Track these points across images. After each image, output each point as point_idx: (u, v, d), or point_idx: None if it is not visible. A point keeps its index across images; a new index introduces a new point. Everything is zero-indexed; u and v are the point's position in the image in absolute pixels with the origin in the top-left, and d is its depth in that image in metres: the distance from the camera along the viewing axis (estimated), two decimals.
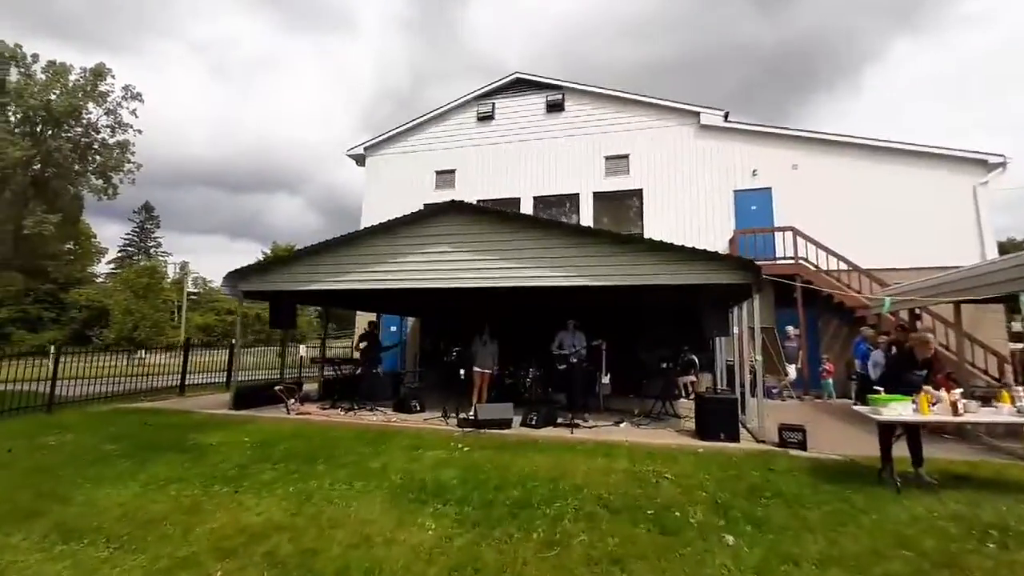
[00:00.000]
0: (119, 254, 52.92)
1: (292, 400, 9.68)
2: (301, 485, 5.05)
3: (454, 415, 8.93)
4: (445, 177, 17.04)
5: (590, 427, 8.23)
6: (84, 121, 38.40)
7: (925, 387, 5.38)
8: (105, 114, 39.09)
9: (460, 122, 17.21)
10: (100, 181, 39.97)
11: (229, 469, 5.63)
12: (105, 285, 38.75)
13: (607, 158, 15.76)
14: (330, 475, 5.37)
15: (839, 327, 13.48)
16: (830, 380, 12.28)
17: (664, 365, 12.71)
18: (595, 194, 15.69)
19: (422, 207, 9.44)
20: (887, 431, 5.49)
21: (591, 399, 9.55)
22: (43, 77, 36.55)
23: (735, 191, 14.59)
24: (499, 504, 4.53)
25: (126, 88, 39.69)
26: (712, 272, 7.53)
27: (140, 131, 40.67)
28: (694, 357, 12.40)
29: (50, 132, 37.27)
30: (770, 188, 14.40)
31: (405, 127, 17.61)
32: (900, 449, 5.51)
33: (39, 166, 37.10)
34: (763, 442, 7.24)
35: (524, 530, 3.98)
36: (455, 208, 8.84)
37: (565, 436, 7.57)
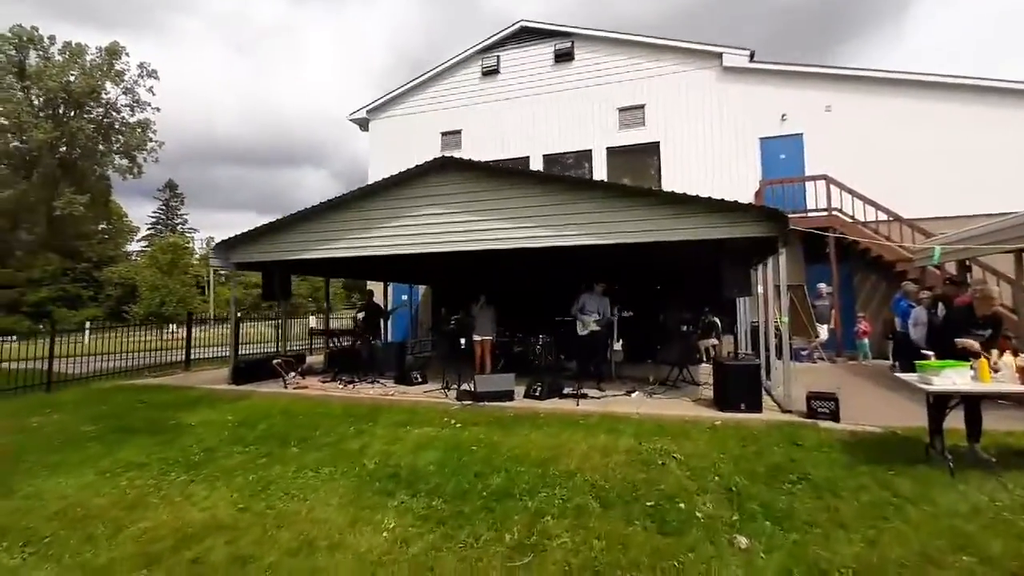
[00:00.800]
0: (148, 232, 53.90)
1: (292, 374, 9.28)
2: (264, 472, 4.54)
3: (455, 387, 8.37)
4: (451, 138, 16.11)
5: (599, 397, 7.55)
6: (103, 101, 38.42)
7: (985, 351, 4.48)
8: (123, 93, 39.07)
9: (464, 79, 16.15)
10: (125, 161, 40.30)
11: (196, 453, 5.17)
12: (136, 263, 39.43)
13: (621, 110, 14.56)
14: (300, 460, 4.85)
15: (876, 283, 12.33)
16: (866, 340, 11.26)
17: (684, 328, 11.92)
18: (609, 149, 14.59)
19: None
20: (939, 403, 4.64)
21: (603, 367, 8.83)
22: (60, 59, 36.50)
23: (762, 139, 13.31)
24: (475, 495, 3.91)
25: (141, 66, 39.45)
26: (734, 225, 6.61)
27: (158, 109, 40.57)
28: (716, 319, 11.51)
29: (72, 114, 37.43)
30: (801, 134, 13.07)
31: (407, 87, 16.64)
32: (953, 420, 4.66)
33: (64, 148, 37.45)
34: (789, 412, 6.44)
35: (497, 529, 3.35)
36: (448, 165, 8.05)
37: (570, 408, 6.92)
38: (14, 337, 16.43)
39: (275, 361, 9.01)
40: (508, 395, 7.42)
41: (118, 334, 11.95)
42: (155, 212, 56.91)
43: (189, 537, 3.35)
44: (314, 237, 8.79)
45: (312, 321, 16.19)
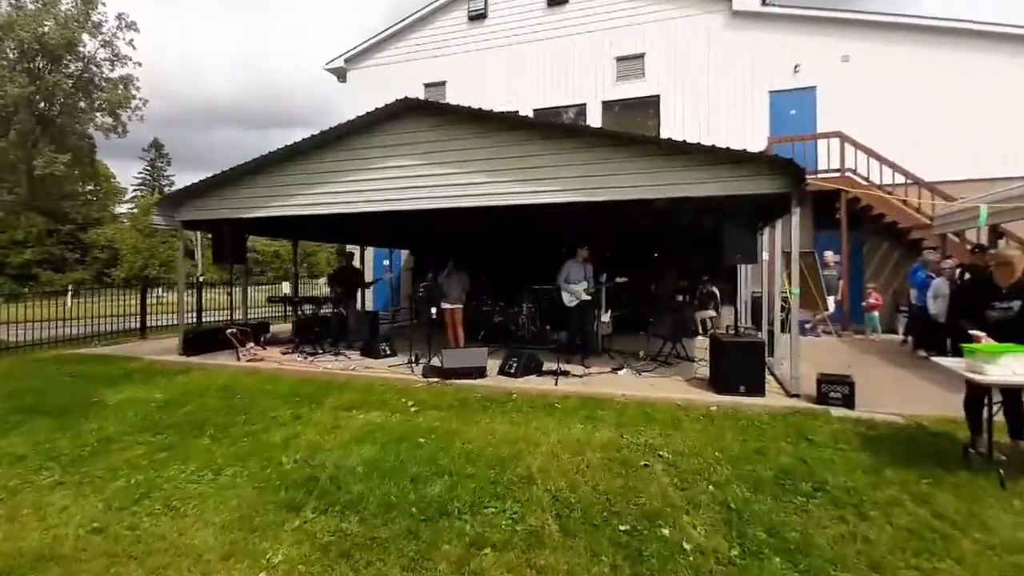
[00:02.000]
0: (134, 193, 52.27)
1: (249, 344, 8.39)
2: (155, 473, 3.66)
3: (425, 360, 7.50)
4: (435, 91, 14.77)
5: (583, 375, 6.68)
6: (81, 55, 36.40)
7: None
8: (102, 46, 36.94)
9: (449, 24, 14.71)
10: (108, 119, 38.53)
11: (90, 444, 4.30)
12: (122, 224, 38.21)
13: (619, 59, 13.24)
14: (206, 456, 3.97)
15: (888, 252, 11.35)
16: (876, 314, 10.35)
17: (679, 298, 11.01)
18: (605, 104, 13.33)
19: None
20: (980, 393, 3.74)
21: (590, 340, 7.92)
22: (33, 8, 34.34)
23: (772, 92, 12.08)
24: (404, 510, 3.04)
25: (120, 17, 37.20)
26: (744, 179, 5.59)
27: (140, 63, 38.56)
28: (715, 289, 10.62)
29: (48, 68, 35.51)
30: (814, 87, 11.84)
31: (388, 32, 15.20)
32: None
33: (42, 104, 35.70)
34: (796, 396, 5.57)
35: (414, 570, 2.49)
36: (414, 108, 6.95)
37: (547, 389, 6.05)
38: None
39: (229, 331, 8.10)
40: (479, 372, 6.55)
41: (100, 298, 11.28)
42: (140, 173, 55.02)
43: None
44: (267, 192, 7.75)
45: (285, 287, 15.21)
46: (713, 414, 5.06)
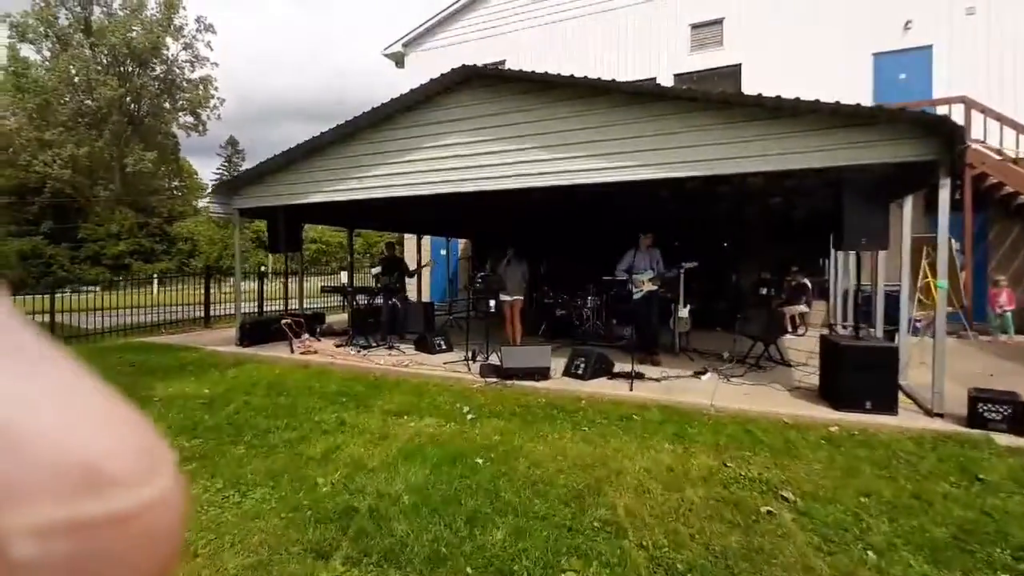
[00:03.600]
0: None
1: (304, 336, 8.06)
2: None
3: (483, 357, 6.84)
4: None
5: (660, 379, 5.78)
6: (165, 58, 38.50)
7: None
8: (183, 48, 38.92)
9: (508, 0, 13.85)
10: (190, 118, 40.73)
11: None
12: (199, 217, 40.33)
13: (693, 26, 11.92)
14: (236, 470, 3.45)
15: (1019, 239, 9.55)
16: (1008, 312, 8.69)
17: (763, 291, 9.76)
18: (677, 76, 12.05)
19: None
20: None
21: (659, 337, 6.94)
22: (122, 14, 36.58)
23: (876, 55, 10.43)
24: (455, 567, 2.33)
25: (198, 20, 39.03)
26: (874, 145, 4.48)
27: (217, 64, 40.34)
28: (806, 280, 9.31)
29: (136, 71, 37.80)
30: (929, 47, 10.10)
31: (446, 13, 14.55)
32: None
33: (132, 105, 38.11)
34: (940, 416, 4.43)
35: None
36: (475, 77, 6.21)
37: (621, 395, 5.21)
38: (97, 287, 16.74)
39: (283, 322, 7.78)
40: (543, 372, 5.79)
41: (183, 286, 11.71)
42: (218, 169, 58.00)
43: None
44: (320, 177, 7.30)
45: (343, 277, 15.04)
46: (835, 437, 4.05)
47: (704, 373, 5.94)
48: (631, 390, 5.30)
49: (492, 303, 7.06)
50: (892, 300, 9.85)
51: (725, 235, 10.21)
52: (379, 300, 8.46)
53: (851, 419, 4.40)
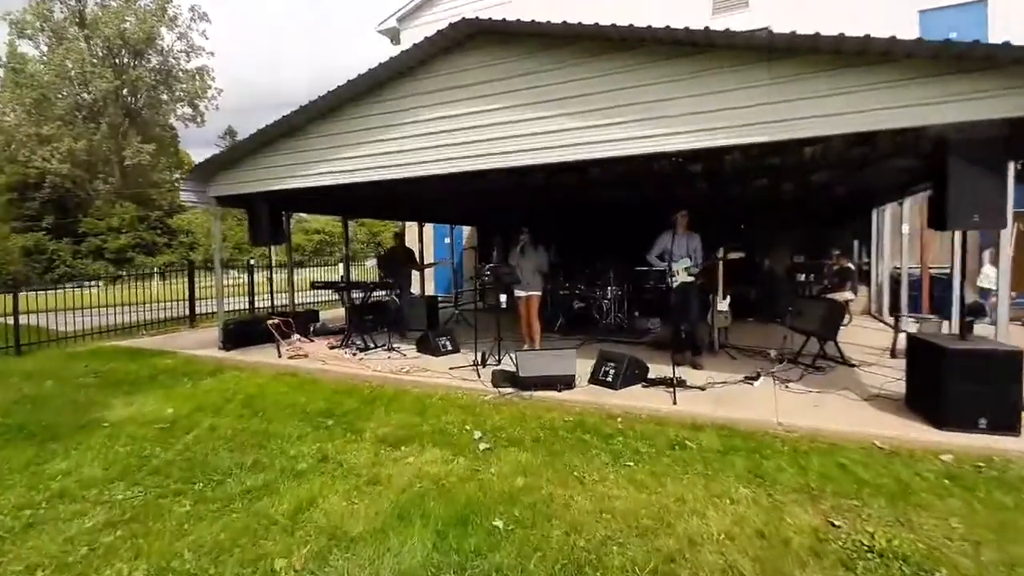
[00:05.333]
0: None
1: (294, 336, 7.13)
2: None
3: (493, 358, 5.89)
4: None
5: (704, 387, 4.81)
6: (160, 48, 37.29)
7: None
8: (178, 39, 37.67)
9: None
10: (188, 109, 39.64)
11: (41, 501, 2.97)
12: (196, 209, 39.45)
13: None
14: (172, 540, 2.51)
15: None
16: None
17: (802, 278, 8.74)
18: None
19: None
20: None
21: (698, 333, 5.95)
22: (115, 5, 35.30)
23: (922, 12, 9.28)
24: None
25: (192, 9, 37.71)
26: (989, 96, 3.46)
27: (212, 53, 39.18)
28: (850, 264, 8.27)
29: (131, 63, 36.63)
30: (984, 1, 8.92)
31: None
32: None
33: (128, 98, 37.03)
34: None
35: None
36: (478, 34, 5.16)
37: (664, 410, 4.25)
38: (99, 282, 15.89)
39: (270, 322, 6.84)
40: (566, 382, 4.83)
41: (167, 283, 10.94)
42: None
43: None
44: (304, 158, 6.30)
45: (340, 269, 14.04)
46: (958, 472, 3.07)
47: (756, 378, 4.95)
48: (674, 403, 4.34)
49: (503, 298, 6.08)
50: (940, 285, 8.86)
51: (755, 216, 9.15)
52: (377, 295, 7.51)
53: (962, 442, 3.43)
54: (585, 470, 3.17)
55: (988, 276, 8.02)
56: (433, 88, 5.43)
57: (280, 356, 6.54)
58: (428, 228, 13.29)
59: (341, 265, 13.12)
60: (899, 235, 8.03)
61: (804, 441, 3.59)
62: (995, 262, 7.96)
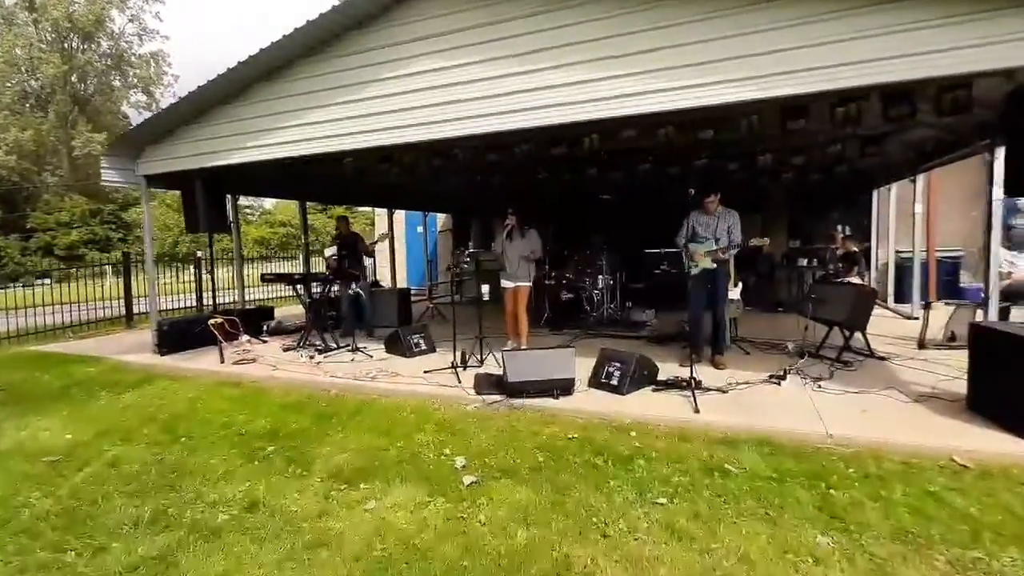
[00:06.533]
0: None
1: (243, 338, 6.12)
2: None
3: (475, 358, 5.05)
4: None
5: (724, 389, 4.06)
6: (111, 31, 34.91)
7: None
8: (129, 20, 35.32)
9: None
10: (143, 96, 37.35)
11: None
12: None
13: None
14: None
15: None
16: None
17: (803, 263, 8.14)
18: None
19: None
20: None
21: (722, 328, 5.12)
22: None
23: None
24: None
25: None
26: None
27: (167, 37, 36.97)
28: (856, 248, 7.67)
29: (81, 47, 34.19)
30: None
31: None
32: None
33: (78, 84, 34.61)
34: None
35: None
36: None
37: (683, 419, 3.48)
38: (48, 280, 14.56)
39: (212, 322, 5.81)
40: (564, 387, 4.02)
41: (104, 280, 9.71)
42: None
43: None
44: (243, 128, 5.28)
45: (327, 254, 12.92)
46: None
47: (783, 377, 4.23)
48: (696, 411, 3.57)
49: (485, 289, 5.22)
50: (947, 269, 8.38)
51: (753, 195, 8.48)
52: (337, 289, 6.56)
53: None
54: (607, 514, 2.36)
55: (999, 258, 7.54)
56: (400, 39, 4.50)
57: (223, 361, 5.55)
58: (399, 216, 12.31)
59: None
60: (907, 216, 7.48)
61: (868, 459, 2.86)
62: (1007, 243, 7.51)
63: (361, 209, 22.27)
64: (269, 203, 42.95)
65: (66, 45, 34.36)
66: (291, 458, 3.10)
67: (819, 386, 4.10)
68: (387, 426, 3.59)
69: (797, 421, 3.37)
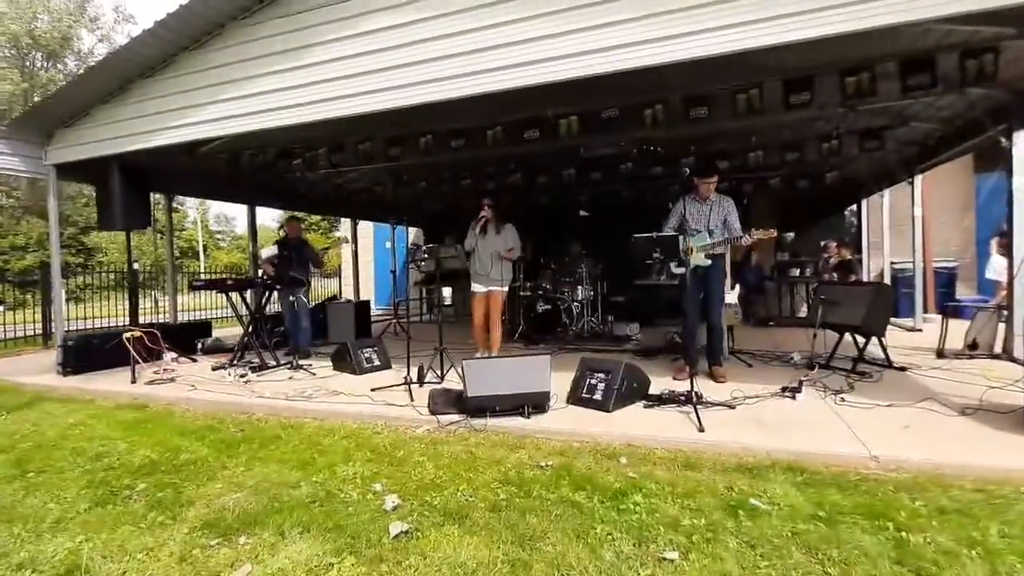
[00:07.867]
0: None
1: (169, 356, 5.21)
2: None
3: (436, 376, 4.27)
4: None
5: (731, 404, 3.34)
6: (77, 51, 34.03)
7: None
8: (99, 41, 34.52)
9: None
10: None
11: None
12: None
13: None
14: None
15: None
16: None
17: (795, 273, 7.61)
18: None
19: None
20: None
21: (717, 335, 4.39)
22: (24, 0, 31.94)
23: None
24: None
25: (116, 10, 34.79)
26: None
27: None
28: (849, 256, 7.21)
29: (44, 66, 33.17)
30: None
31: None
32: None
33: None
34: None
35: None
36: None
37: (685, 440, 2.76)
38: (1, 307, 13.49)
39: (125, 336, 4.89)
40: (537, 402, 3.26)
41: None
42: None
43: None
44: (167, 105, 4.53)
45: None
46: None
47: (798, 389, 3.54)
48: (701, 430, 2.85)
49: (447, 292, 4.48)
50: (943, 280, 7.94)
51: (743, 197, 7.98)
52: (277, 297, 5.74)
53: None
54: None
55: (995, 267, 7.12)
56: None
57: (134, 381, 4.63)
58: (368, 231, 11.57)
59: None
60: (901, 225, 7.06)
61: (930, 487, 2.17)
62: (1003, 251, 7.11)
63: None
64: (241, 227, 41.66)
65: (28, 63, 33.33)
66: (160, 500, 2.25)
67: (842, 399, 3.42)
68: (308, 455, 2.77)
69: (829, 441, 2.68)
